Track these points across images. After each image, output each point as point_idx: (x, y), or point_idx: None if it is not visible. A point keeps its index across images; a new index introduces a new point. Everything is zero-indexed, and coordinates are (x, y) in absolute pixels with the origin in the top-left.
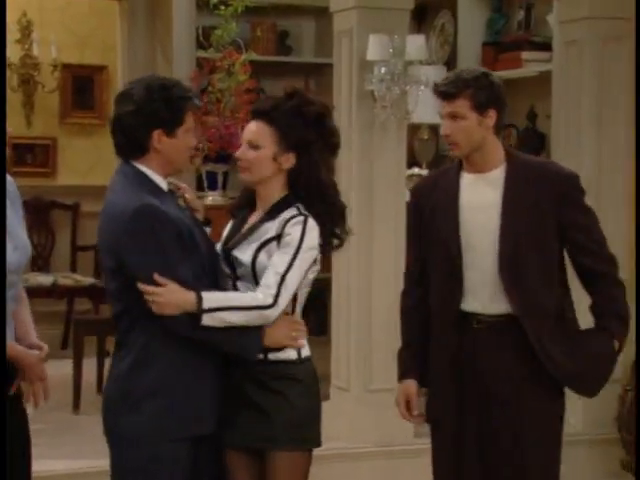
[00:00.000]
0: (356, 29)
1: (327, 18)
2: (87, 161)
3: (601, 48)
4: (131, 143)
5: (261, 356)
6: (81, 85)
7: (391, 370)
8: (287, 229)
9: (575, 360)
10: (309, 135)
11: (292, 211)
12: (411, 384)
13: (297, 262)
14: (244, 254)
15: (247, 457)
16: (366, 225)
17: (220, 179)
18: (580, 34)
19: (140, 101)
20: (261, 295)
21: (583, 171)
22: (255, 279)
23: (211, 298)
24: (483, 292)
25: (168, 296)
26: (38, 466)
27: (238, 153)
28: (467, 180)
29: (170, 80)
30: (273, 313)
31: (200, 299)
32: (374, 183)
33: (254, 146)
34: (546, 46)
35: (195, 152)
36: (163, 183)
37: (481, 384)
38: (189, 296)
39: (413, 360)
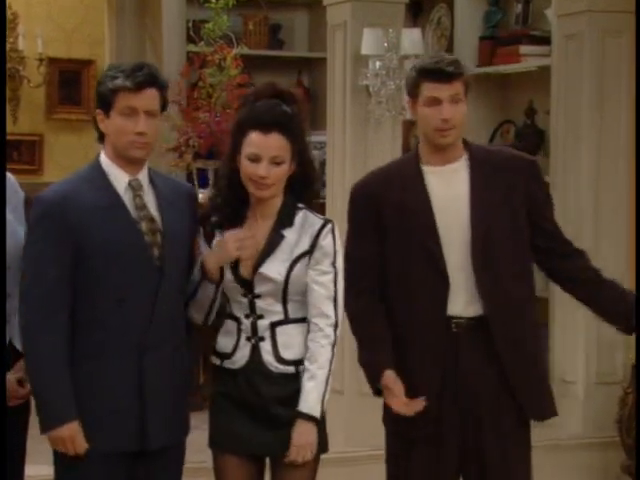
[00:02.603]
0: (350, 23)
1: (320, 11)
2: (74, 158)
3: (600, 42)
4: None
5: (293, 370)
6: (68, 80)
7: None
8: (320, 242)
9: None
10: (307, 138)
11: (314, 219)
12: (392, 374)
13: (339, 275)
14: (274, 271)
15: (248, 463)
16: None
17: (211, 176)
18: (579, 28)
19: None
20: (326, 329)
21: (583, 167)
22: (285, 295)
23: (315, 407)
24: (464, 293)
25: None
26: (27, 470)
27: (263, 173)
28: (432, 174)
29: (123, 63)
30: (339, 332)
31: (317, 420)
32: None
33: (278, 162)
34: (545, 40)
35: (140, 140)
36: (119, 174)
37: (463, 400)
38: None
39: (389, 354)
